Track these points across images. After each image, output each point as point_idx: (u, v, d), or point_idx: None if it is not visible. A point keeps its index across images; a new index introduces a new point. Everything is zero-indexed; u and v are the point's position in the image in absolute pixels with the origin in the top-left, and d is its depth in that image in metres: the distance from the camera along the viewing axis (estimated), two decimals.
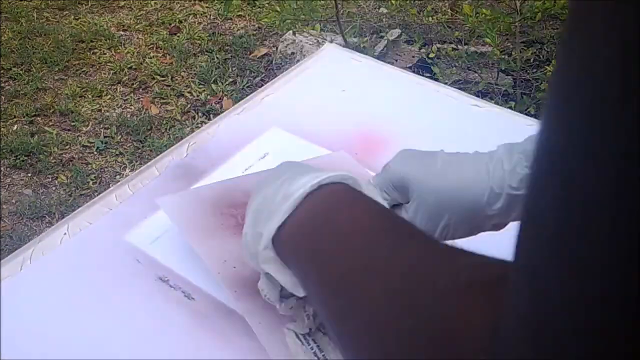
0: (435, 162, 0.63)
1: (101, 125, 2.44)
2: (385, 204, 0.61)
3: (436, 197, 0.61)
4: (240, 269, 0.79)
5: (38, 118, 2.47)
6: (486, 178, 0.59)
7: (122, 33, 2.94)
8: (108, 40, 2.87)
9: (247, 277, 0.78)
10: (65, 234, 0.86)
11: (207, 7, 3.11)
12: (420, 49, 2.50)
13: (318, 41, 2.53)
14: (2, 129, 2.39)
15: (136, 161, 2.29)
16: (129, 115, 2.49)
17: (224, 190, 0.88)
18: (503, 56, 2.17)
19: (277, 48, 2.70)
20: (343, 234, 0.49)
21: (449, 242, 0.59)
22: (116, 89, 2.62)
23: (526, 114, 1.22)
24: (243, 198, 0.89)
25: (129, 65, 2.73)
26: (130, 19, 3.03)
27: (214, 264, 0.77)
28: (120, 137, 2.40)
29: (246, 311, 0.74)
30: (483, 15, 2.02)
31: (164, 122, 2.45)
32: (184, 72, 2.70)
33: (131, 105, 2.55)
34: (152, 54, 2.81)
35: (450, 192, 0.60)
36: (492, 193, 0.59)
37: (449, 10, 2.72)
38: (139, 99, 2.58)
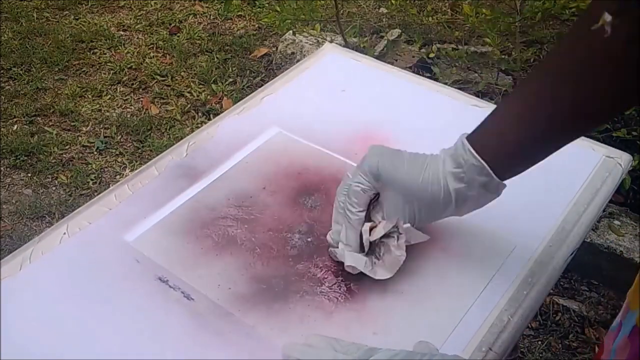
0: (402, 161, 0.76)
1: (101, 125, 2.44)
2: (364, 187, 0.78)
3: (404, 190, 0.76)
4: (235, 288, 0.79)
5: (38, 118, 2.47)
6: (439, 178, 0.74)
7: (122, 33, 2.94)
8: (108, 40, 2.87)
9: (244, 293, 0.79)
10: (64, 233, 0.86)
11: (207, 7, 3.11)
12: (420, 49, 2.49)
13: (318, 41, 2.52)
14: (2, 129, 2.39)
15: (136, 161, 2.29)
16: (129, 115, 2.49)
17: (190, 212, 0.89)
18: (503, 56, 2.17)
19: (277, 48, 2.70)
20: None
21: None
22: (116, 89, 2.62)
23: None
24: (211, 214, 0.89)
25: (129, 65, 2.73)
26: (130, 19, 3.02)
27: (210, 293, 0.78)
28: (120, 137, 2.39)
29: (255, 323, 0.75)
30: (483, 15, 2.01)
31: (164, 122, 2.45)
32: (184, 72, 2.70)
33: (131, 105, 2.55)
34: (152, 54, 2.81)
35: (414, 188, 0.75)
36: (445, 192, 0.73)
37: (449, 10, 2.72)
38: (139, 99, 2.58)
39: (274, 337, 0.73)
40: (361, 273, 0.79)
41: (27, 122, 2.45)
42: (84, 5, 3.12)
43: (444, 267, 0.82)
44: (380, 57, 2.44)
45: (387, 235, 0.77)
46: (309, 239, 0.86)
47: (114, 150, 2.34)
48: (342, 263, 0.79)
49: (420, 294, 0.79)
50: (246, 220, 0.88)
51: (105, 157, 2.32)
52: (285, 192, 0.92)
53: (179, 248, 0.84)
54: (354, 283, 0.80)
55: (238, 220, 0.88)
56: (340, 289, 0.79)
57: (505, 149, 0.71)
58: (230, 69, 2.71)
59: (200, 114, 2.49)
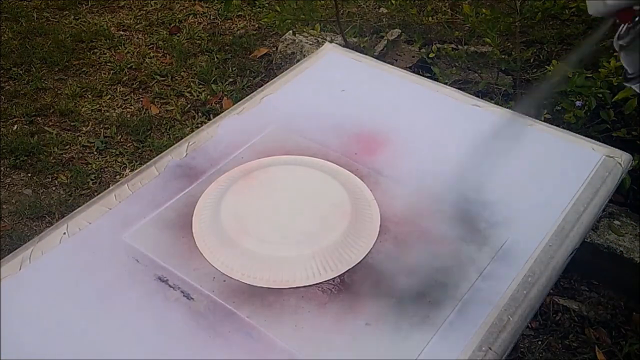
0: None
1: (101, 125, 2.44)
2: None
3: None
4: (230, 280, 0.79)
5: (38, 118, 2.47)
6: None
7: (122, 33, 2.94)
8: (108, 40, 2.87)
9: (239, 285, 0.79)
10: (64, 233, 0.86)
11: (207, 7, 3.11)
12: (420, 49, 2.49)
13: (318, 41, 2.52)
14: (2, 129, 2.39)
15: (136, 161, 2.29)
16: (129, 115, 2.49)
17: (186, 207, 0.89)
18: (503, 56, 2.17)
19: (277, 48, 2.70)
20: None
21: None
22: (116, 89, 2.62)
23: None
24: (205, 211, 0.89)
25: (129, 65, 2.73)
26: (130, 19, 3.02)
27: (205, 285, 0.78)
28: (120, 137, 2.39)
29: (249, 315, 0.75)
30: (483, 15, 2.01)
31: (164, 122, 2.45)
32: (184, 72, 2.70)
33: (131, 105, 2.55)
34: (152, 54, 2.81)
35: None
36: None
37: (449, 10, 2.72)
38: (139, 99, 2.58)
39: (268, 328, 0.74)
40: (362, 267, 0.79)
41: (27, 122, 2.44)
42: (84, 5, 3.12)
43: (441, 263, 0.82)
44: (380, 57, 2.44)
45: None
46: None
47: (114, 150, 2.34)
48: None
49: (415, 288, 0.79)
50: None
51: (105, 157, 2.32)
52: None
53: (178, 248, 0.84)
54: (347, 275, 0.80)
55: None
56: (333, 281, 0.79)
57: None
58: (230, 69, 2.71)
59: (200, 114, 2.49)
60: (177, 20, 3.01)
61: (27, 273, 0.81)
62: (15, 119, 2.46)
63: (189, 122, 2.45)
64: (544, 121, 1.09)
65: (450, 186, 0.93)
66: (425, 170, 0.95)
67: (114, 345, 0.73)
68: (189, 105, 2.54)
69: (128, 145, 2.37)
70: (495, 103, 1.26)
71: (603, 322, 1.71)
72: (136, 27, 2.98)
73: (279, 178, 0.93)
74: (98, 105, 2.54)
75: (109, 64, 2.74)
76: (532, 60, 2.39)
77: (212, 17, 3.06)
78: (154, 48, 2.86)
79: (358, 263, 0.82)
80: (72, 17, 3.04)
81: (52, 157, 2.30)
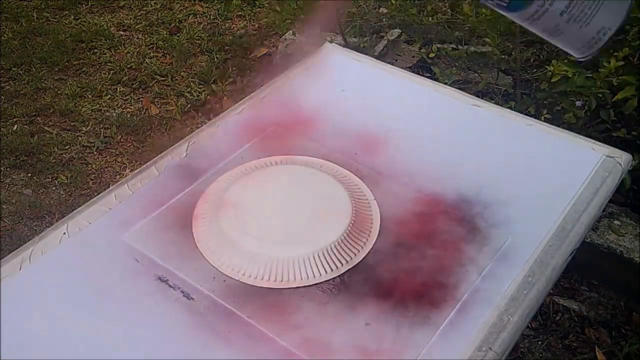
0: None
1: (101, 125, 2.44)
2: None
3: None
4: (230, 280, 0.79)
5: (38, 118, 2.47)
6: None
7: (122, 33, 2.94)
8: (108, 40, 2.87)
9: (239, 285, 0.79)
10: (64, 233, 0.86)
11: (207, 7, 3.11)
12: (420, 49, 2.49)
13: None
14: (2, 129, 2.39)
15: (136, 161, 2.29)
16: (129, 115, 2.49)
17: (185, 207, 0.89)
18: (503, 56, 2.16)
19: (277, 48, 2.70)
20: None
21: None
22: (116, 89, 2.62)
23: (526, 114, 1.22)
24: (205, 211, 0.89)
25: (129, 65, 2.73)
26: (130, 19, 3.02)
27: (205, 285, 0.78)
28: (120, 137, 2.39)
29: (249, 315, 0.75)
30: (483, 15, 2.01)
31: (164, 122, 2.45)
32: (184, 72, 2.70)
33: (131, 105, 2.55)
34: (152, 54, 2.81)
35: None
36: None
37: (449, 10, 2.72)
38: (139, 99, 2.58)
39: (268, 328, 0.74)
40: (358, 266, 0.79)
41: (27, 122, 2.44)
42: (84, 5, 3.12)
43: (441, 263, 0.82)
44: (380, 57, 2.44)
45: None
46: None
47: (114, 150, 2.34)
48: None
49: (415, 288, 0.79)
50: None
51: (105, 157, 2.32)
52: None
53: (178, 248, 0.84)
54: (347, 275, 0.80)
55: None
56: (333, 281, 0.79)
57: None
58: (230, 69, 2.71)
59: (200, 114, 2.49)
60: (177, 20, 3.01)
61: (27, 273, 0.80)
62: (15, 119, 2.46)
63: (189, 122, 2.45)
64: (544, 121, 1.09)
65: (450, 186, 0.93)
66: (425, 170, 0.95)
67: (114, 345, 0.73)
68: (189, 105, 2.54)
69: (128, 145, 2.37)
70: (495, 103, 1.26)
71: (603, 322, 1.71)
72: (136, 27, 2.98)
73: (279, 178, 0.93)
74: (98, 105, 2.54)
75: (109, 64, 2.74)
76: (532, 60, 2.38)
77: (212, 17, 3.06)
78: (154, 48, 2.86)
79: (358, 263, 0.82)
80: (72, 17, 3.04)
81: (52, 157, 2.30)
